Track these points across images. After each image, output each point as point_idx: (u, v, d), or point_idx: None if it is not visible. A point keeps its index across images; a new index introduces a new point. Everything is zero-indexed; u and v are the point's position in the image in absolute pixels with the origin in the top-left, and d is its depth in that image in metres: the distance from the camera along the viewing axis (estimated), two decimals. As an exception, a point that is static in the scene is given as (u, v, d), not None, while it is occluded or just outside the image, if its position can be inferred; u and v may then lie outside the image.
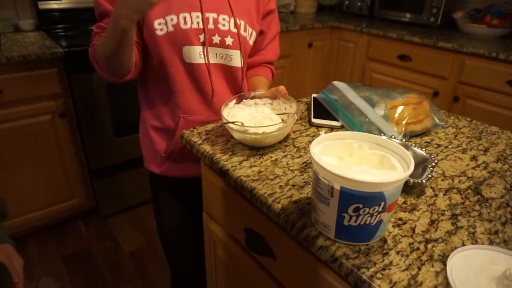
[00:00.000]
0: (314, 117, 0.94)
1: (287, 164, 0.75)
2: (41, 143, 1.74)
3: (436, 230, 0.58)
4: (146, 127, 1.03)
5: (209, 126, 0.91)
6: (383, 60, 2.40)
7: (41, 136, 1.72)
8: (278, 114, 0.86)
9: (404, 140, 0.81)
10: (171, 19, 0.86)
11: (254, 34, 0.98)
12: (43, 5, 1.99)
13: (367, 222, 0.51)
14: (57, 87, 1.68)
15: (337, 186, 0.49)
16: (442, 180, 0.71)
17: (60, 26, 2.07)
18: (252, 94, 0.91)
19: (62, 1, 2.03)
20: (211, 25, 0.89)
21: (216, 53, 0.92)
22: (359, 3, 2.83)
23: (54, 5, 2.02)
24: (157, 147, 1.01)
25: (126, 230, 2.04)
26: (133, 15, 0.72)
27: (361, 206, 0.49)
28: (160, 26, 0.86)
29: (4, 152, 1.65)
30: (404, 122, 0.87)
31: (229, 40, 0.92)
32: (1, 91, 1.54)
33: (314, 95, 1.06)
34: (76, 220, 2.08)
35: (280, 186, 0.67)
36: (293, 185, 0.68)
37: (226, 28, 0.91)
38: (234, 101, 0.88)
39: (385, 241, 0.55)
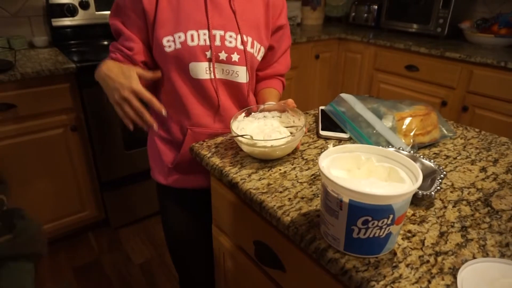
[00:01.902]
0: (322, 129, 0.95)
1: (296, 176, 0.75)
2: (53, 156, 1.77)
3: (446, 243, 0.57)
4: (153, 137, 1.05)
5: (218, 139, 0.92)
6: (391, 71, 2.41)
7: (53, 150, 1.76)
8: (287, 127, 0.88)
9: (412, 151, 0.81)
10: (179, 37, 0.89)
11: (262, 49, 0.99)
12: (56, 22, 2.05)
13: (376, 234, 0.51)
14: (70, 101, 1.72)
15: (345, 199, 0.50)
16: (451, 191, 0.71)
17: (72, 42, 2.12)
18: (261, 107, 0.92)
19: (75, 18, 2.09)
20: (217, 42, 0.91)
21: (223, 69, 0.94)
22: (365, 14, 2.85)
23: (67, 22, 2.08)
24: (164, 158, 1.02)
25: (136, 242, 2.05)
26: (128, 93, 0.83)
27: (370, 219, 0.50)
28: (168, 43, 0.89)
29: (17, 165, 1.69)
30: (412, 133, 0.87)
31: (235, 57, 0.93)
32: (16, 106, 1.58)
33: (321, 107, 1.07)
34: (86, 232, 2.10)
35: (289, 198, 0.68)
36: (302, 198, 0.68)
37: (232, 45, 0.93)
38: (243, 114, 0.89)
39: (395, 253, 0.55)
